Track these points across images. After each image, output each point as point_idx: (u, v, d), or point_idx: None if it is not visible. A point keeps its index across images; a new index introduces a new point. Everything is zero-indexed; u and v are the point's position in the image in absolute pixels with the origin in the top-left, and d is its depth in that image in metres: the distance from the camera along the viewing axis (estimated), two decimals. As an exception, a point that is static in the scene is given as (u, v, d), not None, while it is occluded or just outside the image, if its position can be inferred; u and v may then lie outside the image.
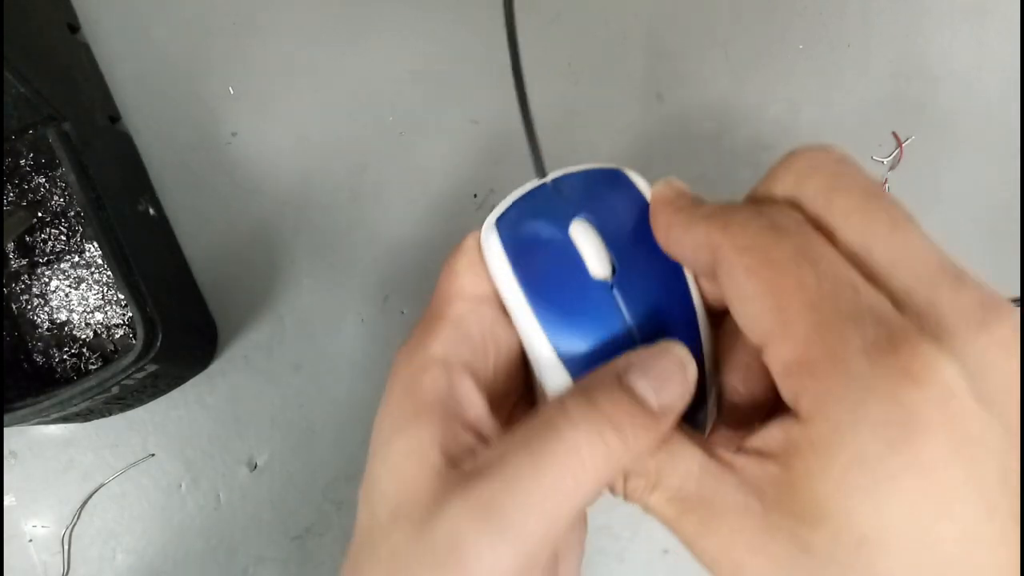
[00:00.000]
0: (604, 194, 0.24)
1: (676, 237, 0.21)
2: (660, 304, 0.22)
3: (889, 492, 0.15)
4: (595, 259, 0.22)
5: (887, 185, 0.38)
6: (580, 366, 0.22)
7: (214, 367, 0.35)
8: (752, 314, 0.18)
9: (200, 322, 0.34)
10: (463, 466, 0.20)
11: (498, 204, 0.24)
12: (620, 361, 0.20)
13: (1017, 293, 0.37)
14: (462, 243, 0.24)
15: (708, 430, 0.24)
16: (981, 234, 0.39)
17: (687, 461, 0.19)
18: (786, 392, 0.18)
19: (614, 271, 0.22)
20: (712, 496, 0.18)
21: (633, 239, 0.23)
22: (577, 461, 0.18)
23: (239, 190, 0.35)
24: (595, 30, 0.37)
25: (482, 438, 0.22)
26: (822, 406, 0.17)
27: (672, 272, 0.23)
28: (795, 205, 0.19)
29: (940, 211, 0.39)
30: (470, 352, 0.24)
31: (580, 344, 0.22)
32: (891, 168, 0.38)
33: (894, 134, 0.39)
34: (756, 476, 0.18)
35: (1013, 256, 0.39)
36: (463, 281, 0.24)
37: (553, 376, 0.22)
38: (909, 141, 0.38)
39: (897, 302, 0.17)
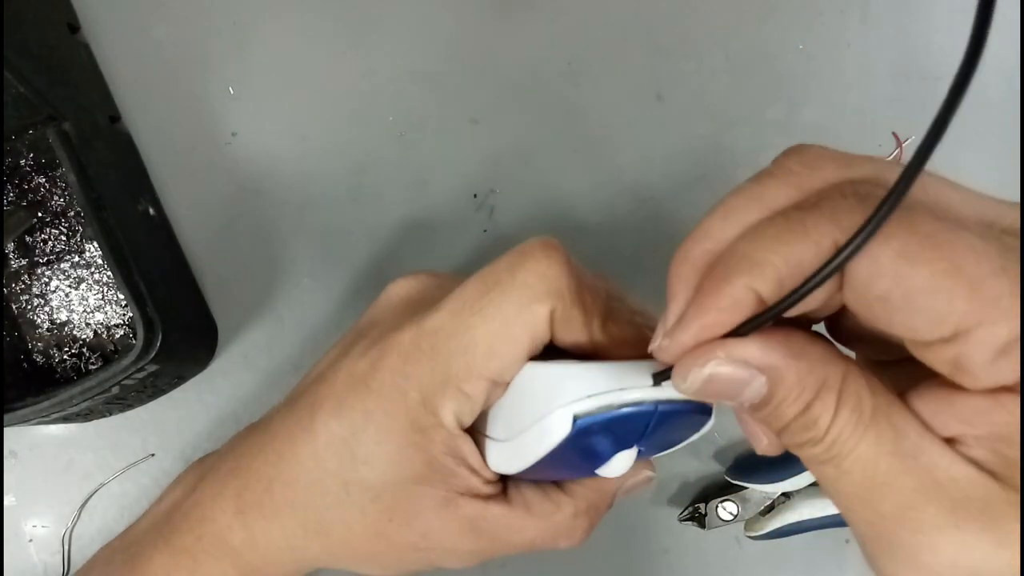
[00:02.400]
0: (673, 428, 0.24)
1: (784, 247, 0.17)
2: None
3: None
4: (615, 468, 0.24)
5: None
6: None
7: (214, 367, 0.35)
8: (935, 304, 0.15)
9: (200, 322, 0.34)
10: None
11: (600, 401, 0.21)
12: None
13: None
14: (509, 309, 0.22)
15: None
16: (981, 234, 0.39)
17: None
18: (1008, 372, 0.15)
19: None
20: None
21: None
22: None
23: (239, 190, 0.35)
24: (595, 30, 0.37)
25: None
26: None
27: None
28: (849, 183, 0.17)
29: (940, 211, 0.39)
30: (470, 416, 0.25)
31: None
32: (891, 168, 0.38)
33: (894, 134, 0.39)
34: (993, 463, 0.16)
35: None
36: (497, 362, 0.23)
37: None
38: (909, 141, 0.38)
39: None
